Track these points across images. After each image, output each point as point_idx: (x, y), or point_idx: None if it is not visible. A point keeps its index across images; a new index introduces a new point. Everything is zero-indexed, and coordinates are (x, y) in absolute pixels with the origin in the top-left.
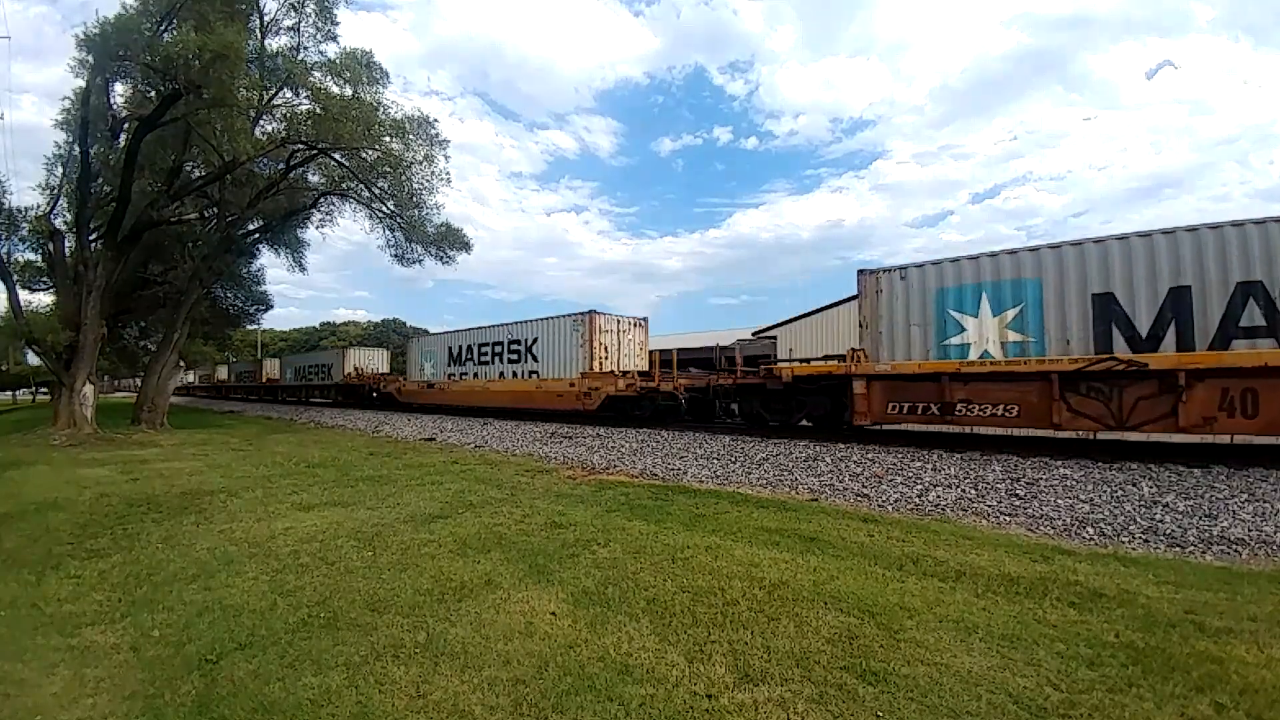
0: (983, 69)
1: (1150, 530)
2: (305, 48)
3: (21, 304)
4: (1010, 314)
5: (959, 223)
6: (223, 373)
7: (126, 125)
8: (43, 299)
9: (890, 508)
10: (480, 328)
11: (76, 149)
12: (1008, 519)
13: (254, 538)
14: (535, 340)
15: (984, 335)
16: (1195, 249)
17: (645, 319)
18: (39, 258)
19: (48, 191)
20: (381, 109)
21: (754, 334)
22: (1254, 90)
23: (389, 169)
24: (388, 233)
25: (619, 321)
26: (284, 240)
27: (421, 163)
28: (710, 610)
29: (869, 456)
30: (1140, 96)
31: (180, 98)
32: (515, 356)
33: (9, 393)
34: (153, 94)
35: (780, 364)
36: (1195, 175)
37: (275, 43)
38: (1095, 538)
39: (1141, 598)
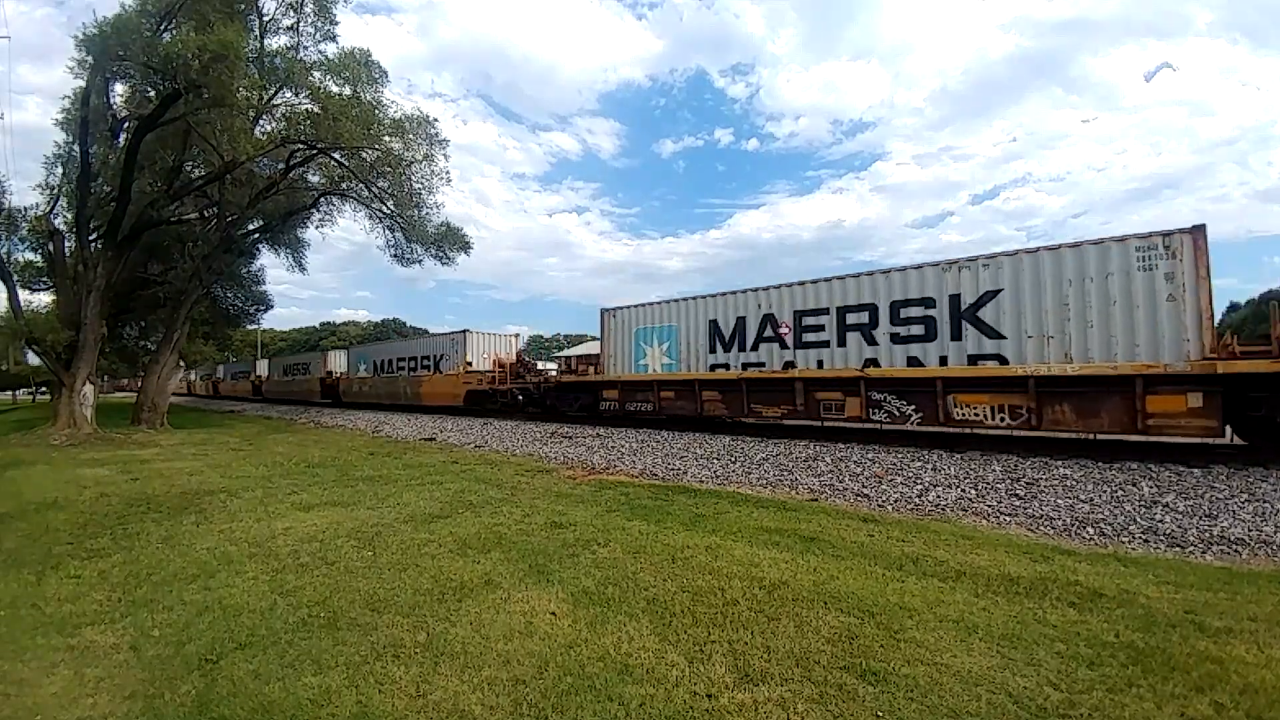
0: (982, 71)
1: (1150, 530)
2: (304, 47)
3: (21, 304)
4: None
5: (959, 223)
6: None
7: (126, 125)
8: (43, 299)
9: (890, 508)
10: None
11: (76, 149)
12: (1008, 519)
13: (254, 537)
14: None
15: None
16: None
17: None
18: (39, 258)
19: (48, 191)
20: (380, 108)
21: None
22: (1253, 92)
23: (389, 168)
24: (387, 233)
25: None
26: (284, 240)
27: (421, 162)
28: (710, 610)
29: (869, 456)
30: (1139, 98)
31: (180, 98)
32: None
33: (9, 393)
34: (152, 94)
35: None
36: (1194, 176)
37: (274, 42)
38: (1095, 538)
39: (1141, 598)
